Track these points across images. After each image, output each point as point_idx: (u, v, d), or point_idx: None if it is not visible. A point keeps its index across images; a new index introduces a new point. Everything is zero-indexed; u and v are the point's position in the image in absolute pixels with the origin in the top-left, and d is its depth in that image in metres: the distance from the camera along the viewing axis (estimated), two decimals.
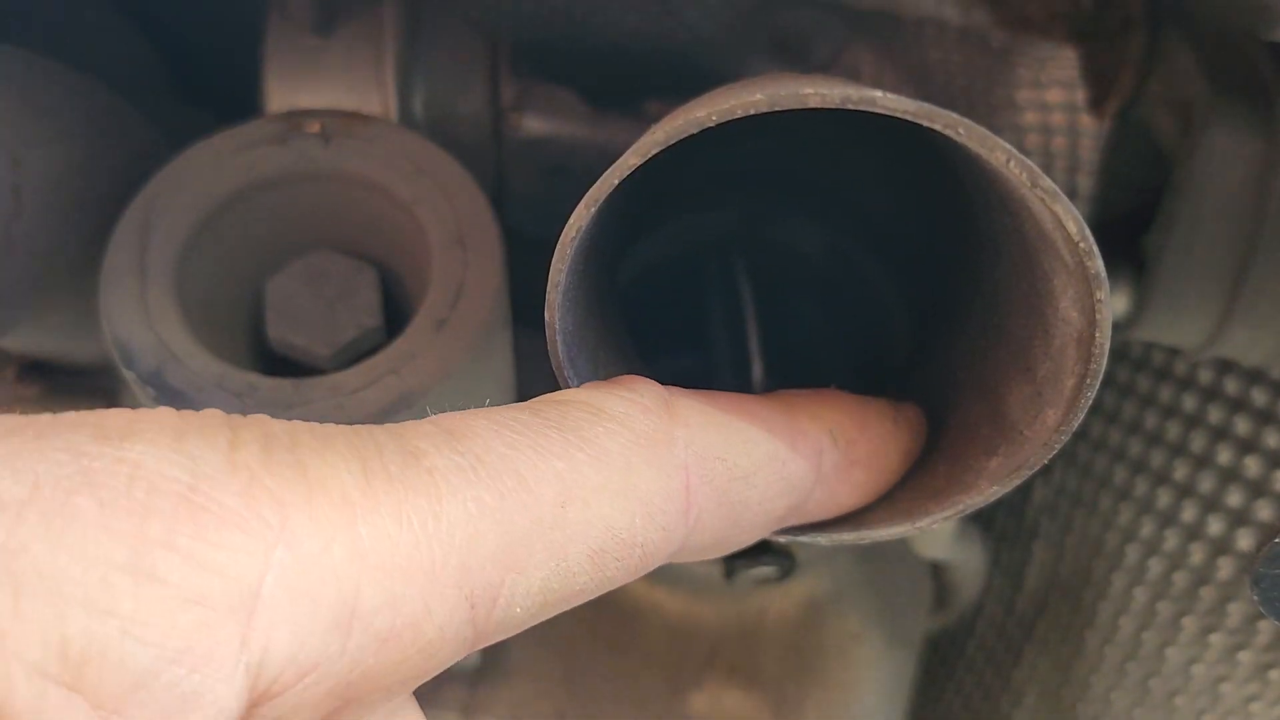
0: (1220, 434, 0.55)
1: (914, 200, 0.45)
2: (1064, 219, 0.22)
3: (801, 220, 0.50)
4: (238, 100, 0.46)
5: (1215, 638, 0.53)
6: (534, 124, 0.47)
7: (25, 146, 0.39)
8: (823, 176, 0.47)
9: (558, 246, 0.25)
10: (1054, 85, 0.53)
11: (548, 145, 0.48)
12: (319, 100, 0.44)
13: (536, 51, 0.50)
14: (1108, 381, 0.62)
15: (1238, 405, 0.54)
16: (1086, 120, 0.52)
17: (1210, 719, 0.53)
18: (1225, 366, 0.55)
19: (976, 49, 0.52)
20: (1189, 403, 0.56)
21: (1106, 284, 0.23)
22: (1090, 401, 0.25)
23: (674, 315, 0.49)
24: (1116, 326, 0.47)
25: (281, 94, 0.44)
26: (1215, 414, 0.55)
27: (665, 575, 0.52)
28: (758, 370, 0.45)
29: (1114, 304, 0.47)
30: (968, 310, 0.37)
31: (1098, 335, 0.24)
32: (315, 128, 0.41)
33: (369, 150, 0.41)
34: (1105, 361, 0.24)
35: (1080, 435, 0.64)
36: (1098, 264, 0.22)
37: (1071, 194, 0.54)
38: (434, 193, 0.39)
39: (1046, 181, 0.21)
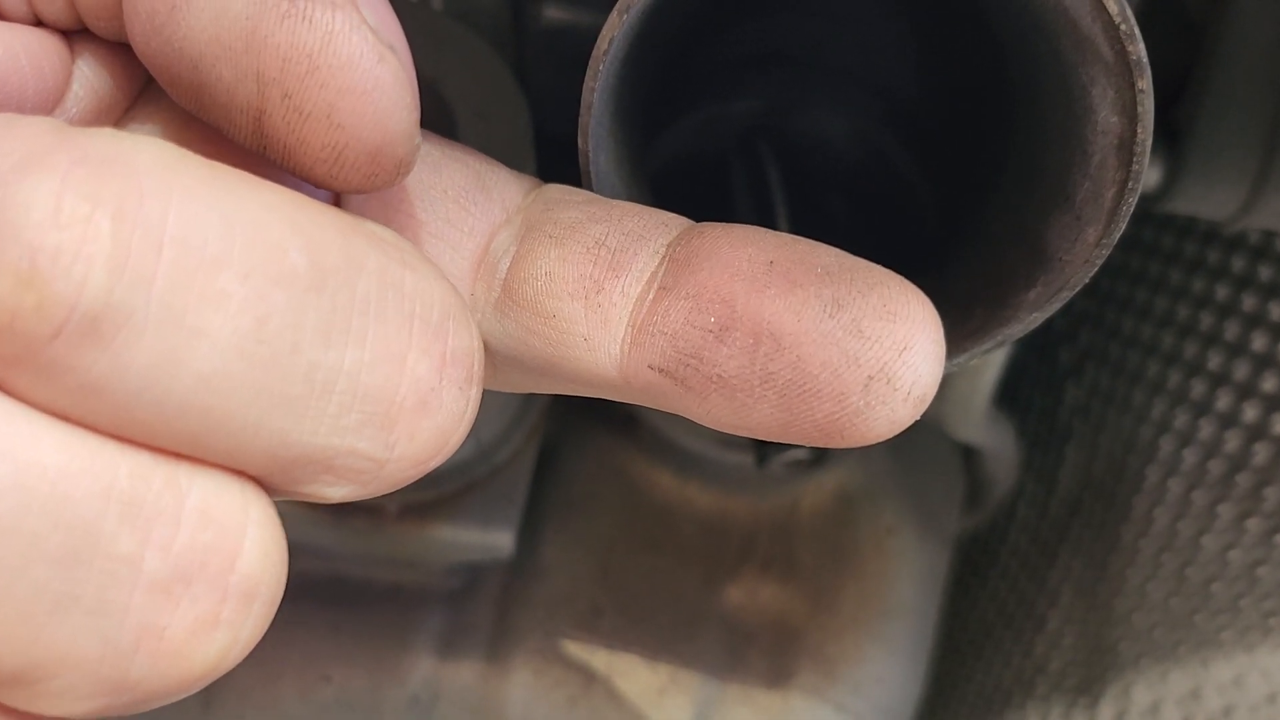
0: (1255, 321, 0.54)
1: (938, 73, 0.44)
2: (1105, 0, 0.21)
3: (826, 108, 0.49)
4: None
5: (1252, 523, 0.53)
6: (554, 13, 0.47)
7: None
8: (847, 59, 0.47)
9: (589, 64, 0.25)
10: None
11: (569, 36, 0.47)
12: None
13: None
14: (1139, 276, 0.62)
15: (1272, 291, 0.54)
16: None
17: (1247, 602, 0.53)
18: (1258, 254, 0.54)
19: None
20: (1222, 292, 0.56)
21: (1149, 71, 0.22)
22: (1131, 209, 0.25)
23: (701, 213, 0.49)
24: (1150, 199, 0.46)
25: None
26: (1249, 301, 0.54)
27: (698, 470, 0.52)
28: None
29: (1147, 177, 0.46)
30: (1000, 167, 0.36)
31: (1139, 131, 0.23)
32: None
33: None
34: (1147, 161, 0.24)
35: (1113, 332, 0.63)
36: (1139, 48, 0.22)
37: None
38: (457, 69, 0.39)
39: None
